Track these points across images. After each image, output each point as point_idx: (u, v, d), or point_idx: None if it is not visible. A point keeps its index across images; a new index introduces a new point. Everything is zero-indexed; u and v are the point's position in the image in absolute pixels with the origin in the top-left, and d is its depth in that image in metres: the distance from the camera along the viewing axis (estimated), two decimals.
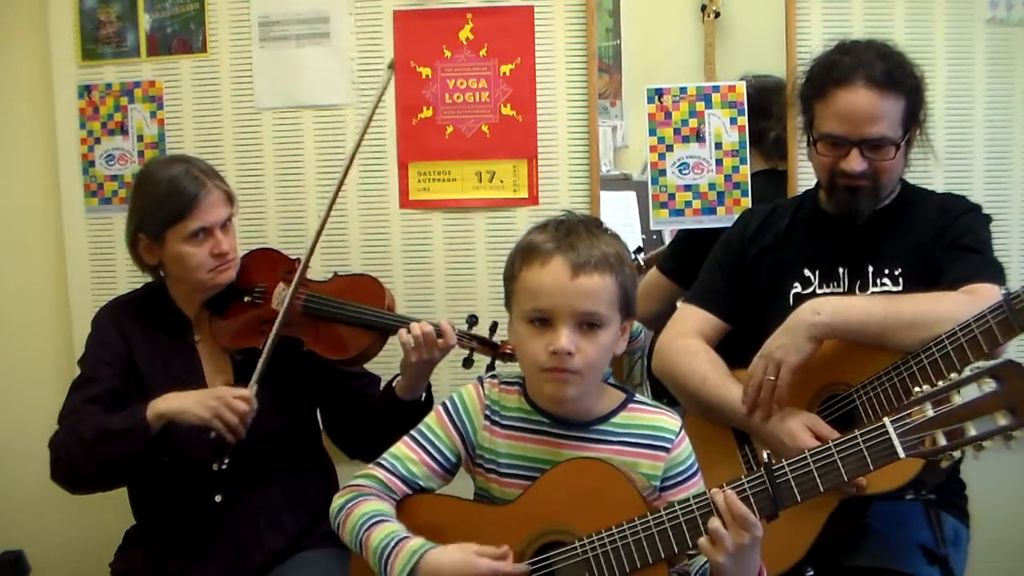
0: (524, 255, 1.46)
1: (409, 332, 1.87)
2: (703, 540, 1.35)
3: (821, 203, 1.96)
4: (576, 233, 1.45)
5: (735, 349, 1.95)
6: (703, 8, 2.50)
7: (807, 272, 1.91)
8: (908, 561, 1.72)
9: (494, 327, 1.93)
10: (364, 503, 1.51)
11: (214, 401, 1.80)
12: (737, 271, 2.00)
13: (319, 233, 2.02)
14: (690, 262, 2.16)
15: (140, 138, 2.54)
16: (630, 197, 2.52)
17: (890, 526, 1.78)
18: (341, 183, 2.06)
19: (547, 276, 1.42)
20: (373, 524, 1.47)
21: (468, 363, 1.94)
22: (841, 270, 1.89)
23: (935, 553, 1.68)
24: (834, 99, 1.81)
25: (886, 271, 1.86)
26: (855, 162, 1.80)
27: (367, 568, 1.50)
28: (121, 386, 1.92)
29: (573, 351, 1.41)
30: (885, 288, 1.85)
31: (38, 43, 2.55)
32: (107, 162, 2.55)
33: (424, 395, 1.99)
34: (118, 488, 1.96)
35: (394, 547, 1.43)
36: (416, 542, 1.44)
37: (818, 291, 1.89)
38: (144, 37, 2.52)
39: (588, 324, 1.43)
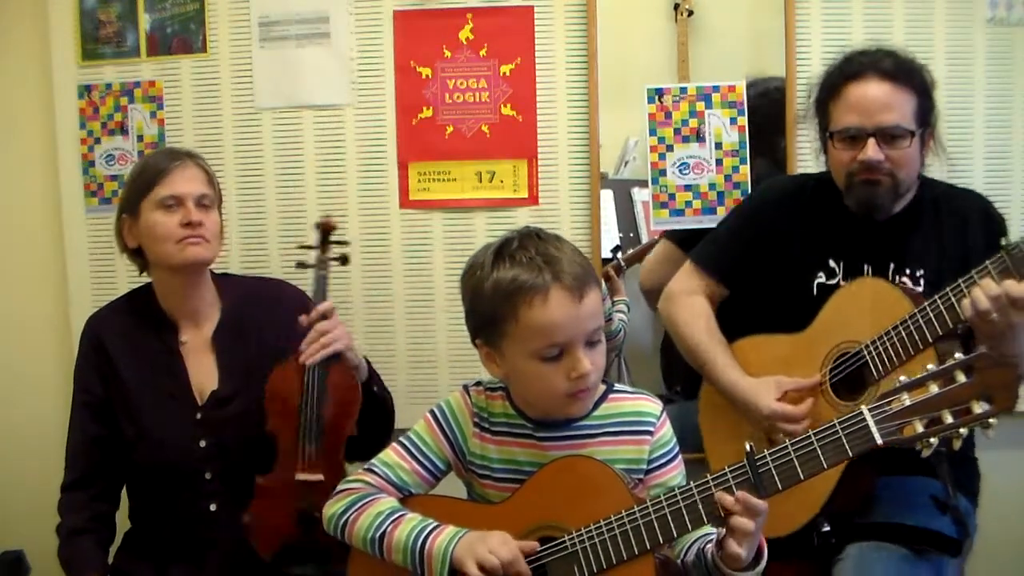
0: (515, 296, 1.42)
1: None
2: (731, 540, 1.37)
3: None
4: (550, 255, 1.43)
5: (735, 316, 2.03)
6: (676, 7, 2.49)
7: (832, 263, 1.94)
8: (918, 514, 1.76)
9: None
10: (381, 500, 1.52)
11: None
12: (751, 242, 2.03)
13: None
14: (699, 231, 2.19)
15: (140, 138, 2.54)
16: (606, 195, 2.51)
17: (901, 490, 1.82)
18: None
19: (555, 311, 1.41)
20: (399, 516, 1.49)
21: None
22: (866, 266, 1.91)
23: (946, 503, 1.72)
24: (847, 93, 1.86)
25: (907, 271, 1.89)
26: (872, 151, 1.82)
27: (366, 568, 1.52)
28: (103, 429, 1.94)
29: (593, 369, 1.43)
30: (903, 285, 1.88)
31: (38, 43, 2.55)
32: (107, 162, 2.55)
33: (377, 387, 1.99)
34: None
35: (432, 529, 1.45)
36: (456, 528, 1.46)
37: (842, 283, 1.92)
38: (144, 37, 2.52)
39: (593, 339, 1.45)
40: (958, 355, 1.36)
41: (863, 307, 1.83)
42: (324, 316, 1.89)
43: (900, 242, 1.90)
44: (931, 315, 1.72)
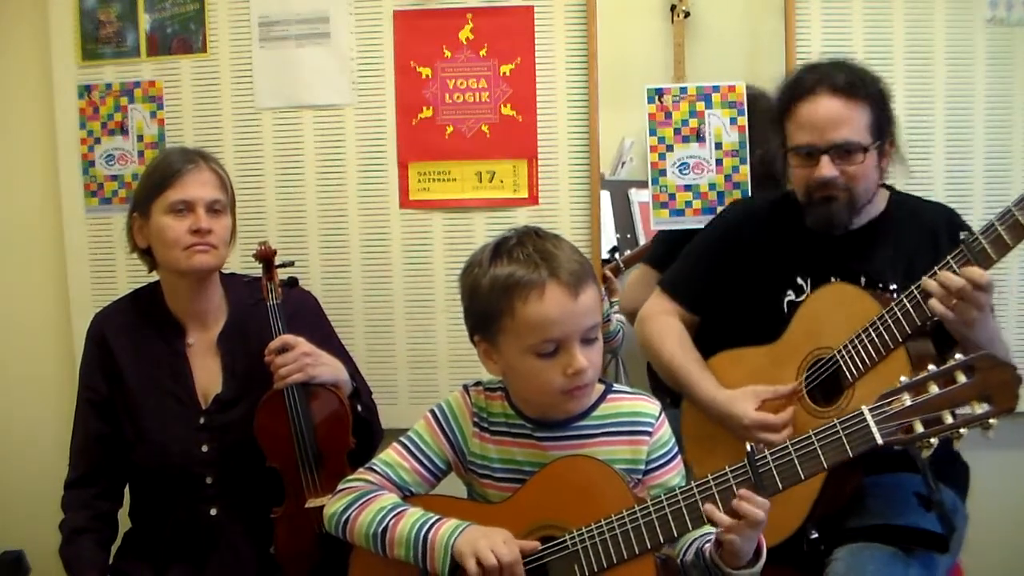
0: (511, 291, 1.42)
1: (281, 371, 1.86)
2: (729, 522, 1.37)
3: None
4: (547, 251, 1.44)
5: (708, 337, 2.02)
6: (672, 8, 2.49)
7: (799, 280, 1.93)
8: (905, 513, 1.76)
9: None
10: (383, 497, 1.52)
11: None
12: (718, 266, 2.03)
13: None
14: (677, 254, 2.18)
15: (140, 138, 2.54)
16: (603, 197, 2.51)
17: (886, 489, 1.82)
18: None
19: (551, 306, 1.41)
20: (401, 511, 1.49)
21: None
22: (834, 279, 1.90)
23: (929, 499, 1.71)
24: (799, 112, 1.87)
25: (879, 286, 1.88)
26: (826, 168, 1.84)
27: (366, 568, 1.52)
28: (107, 427, 1.94)
29: (589, 366, 1.43)
30: (870, 290, 1.86)
31: (38, 43, 2.55)
32: (107, 162, 2.55)
33: (361, 406, 1.97)
34: None
35: (435, 522, 1.45)
36: (459, 520, 1.46)
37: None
38: (144, 37, 2.52)
39: (589, 336, 1.45)
40: (959, 356, 1.36)
41: (833, 312, 1.83)
42: (283, 348, 1.86)
43: (869, 256, 1.90)
44: (899, 314, 1.73)
